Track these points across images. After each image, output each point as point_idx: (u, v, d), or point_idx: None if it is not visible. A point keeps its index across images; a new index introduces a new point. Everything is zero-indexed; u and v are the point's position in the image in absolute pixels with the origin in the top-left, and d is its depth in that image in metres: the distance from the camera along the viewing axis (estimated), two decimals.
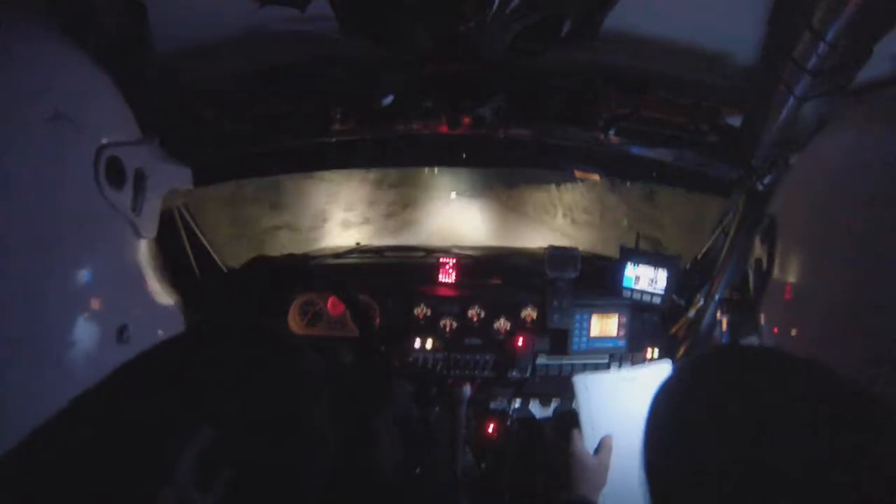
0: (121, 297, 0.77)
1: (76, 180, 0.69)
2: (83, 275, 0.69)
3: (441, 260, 1.79)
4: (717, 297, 1.58)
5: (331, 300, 1.68)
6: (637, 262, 1.67)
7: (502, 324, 1.69)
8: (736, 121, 1.33)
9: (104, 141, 0.73)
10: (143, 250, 0.85)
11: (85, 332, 0.68)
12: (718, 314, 1.33)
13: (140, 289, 0.84)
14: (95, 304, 0.70)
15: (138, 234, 0.82)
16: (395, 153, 1.77)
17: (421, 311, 1.70)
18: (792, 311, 0.84)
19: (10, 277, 0.60)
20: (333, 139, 1.52)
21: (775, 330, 0.88)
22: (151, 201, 0.84)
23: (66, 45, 0.73)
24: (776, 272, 0.87)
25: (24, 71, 0.65)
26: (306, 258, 1.92)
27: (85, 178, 0.70)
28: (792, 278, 0.83)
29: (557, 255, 1.68)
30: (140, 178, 0.82)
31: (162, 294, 0.89)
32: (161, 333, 0.64)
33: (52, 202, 0.65)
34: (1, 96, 0.61)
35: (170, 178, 0.94)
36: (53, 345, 0.65)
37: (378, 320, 1.70)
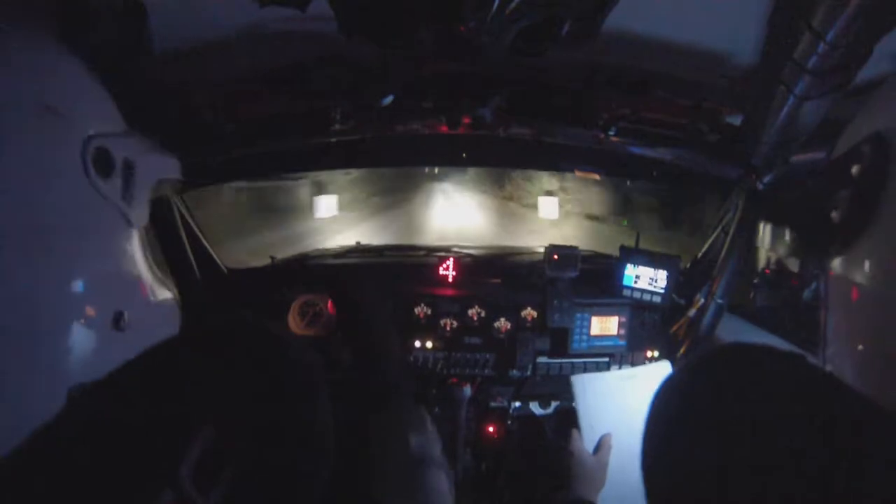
0: (115, 285, 0.78)
1: (66, 170, 0.71)
2: (77, 263, 0.71)
3: (441, 259, 1.79)
4: (717, 296, 1.58)
5: (331, 300, 1.68)
6: (637, 261, 1.67)
7: (502, 323, 1.70)
8: (736, 120, 1.33)
9: (91, 132, 0.75)
10: (136, 239, 0.86)
11: (81, 319, 0.69)
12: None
13: (135, 277, 0.85)
14: (90, 291, 0.72)
15: (129, 223, 0.84)
16: (395, 153, 1.77)
17: (421, 310, 1.70)
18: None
19: (4, 266, 0.61)
20: (333, 139, 1.52)
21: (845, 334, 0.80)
22: (141, 190, 0.86)
23: (53, 41, 0.74)
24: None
25: (13, 66, 0.66)
26: (306, 258, 1.92)
27: (74, 168, 0.72)
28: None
29: (557, 255, 1.68)
30: (128, 167, 0.83)
31: (159, 284, 0.91)
32: (158, 322, 0.65)
33: (43, 192, 0.67)
34: None
35: (158, 168, 0.96)
36: (50, 332, 0.66)
37: None
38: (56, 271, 0.67)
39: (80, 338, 0.69)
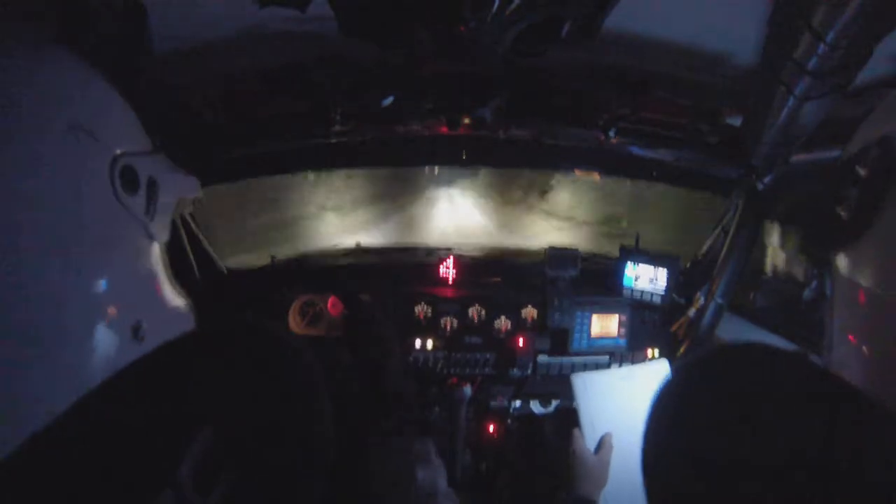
0: (136, 299, 0.80)
1: (94, 187, 0.73)
2: (101, 277, 0.72)
3: (441, 259, 1.79)
4: (717, 296, 1.58)
5: (331, 300, 1.68)
6: (637, 261, 1.68)
7: (503, 323, 1.70)
8: (736, 121, 1.33)
9: (118, 151, 0.77)
10: (156, 254, 0.89)
11: (102, 332, 0.71)
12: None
13: (154, 290, 0.87)
14: (112, 305, 0.74)
15: (151, 239, 0.86)
16: (395, 153, 1.77)
17: (421, 310, 1.70)
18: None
19: (32, 279, 0.63)
20: (333, 139, 1.52)
21: (851, 337, 0.78)
22: (163, 207, 0.88)
23: (78, 59, 0.76)
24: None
25: (42, 84, 0.69)
26: (306, 258, 1.93)
27: (102, 185, 0.74)
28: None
29: (557, 255, 1.68)
30: (152, 185, 0.85)
31: (174, 296, 0.93)
32: (175, 333, 0.67)
33: (71, 208, 0.68)
34: (21, 108, 0.65)
35: (179, 187, 0.98)
36: (73, 344, 0.68)
37: None
38: (79, 285, 0.69)
39: (102, 348, 0.71)
